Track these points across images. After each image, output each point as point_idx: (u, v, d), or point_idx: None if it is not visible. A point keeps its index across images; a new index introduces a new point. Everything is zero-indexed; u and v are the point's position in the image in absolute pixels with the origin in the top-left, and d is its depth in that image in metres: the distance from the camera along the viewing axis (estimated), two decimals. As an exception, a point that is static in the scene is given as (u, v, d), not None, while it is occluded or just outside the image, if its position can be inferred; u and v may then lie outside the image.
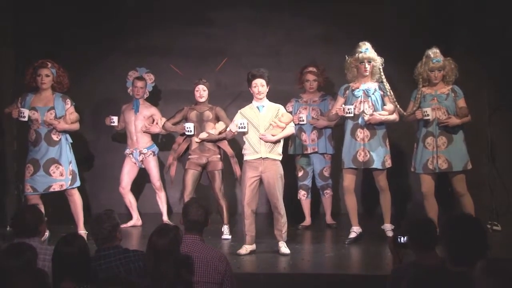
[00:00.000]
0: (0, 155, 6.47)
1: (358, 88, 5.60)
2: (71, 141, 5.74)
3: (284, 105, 6.29)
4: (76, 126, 5.76)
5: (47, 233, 5.15)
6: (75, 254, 3.02)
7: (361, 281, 4.52)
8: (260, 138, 5.16)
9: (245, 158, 5.26)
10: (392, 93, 5.57)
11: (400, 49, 6.57)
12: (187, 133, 5.95)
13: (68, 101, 5.71)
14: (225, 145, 6.00)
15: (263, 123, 5.23)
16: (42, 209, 4.98)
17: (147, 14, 7.24)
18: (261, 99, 5.29)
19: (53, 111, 5.60)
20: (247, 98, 5.58)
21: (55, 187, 5.58)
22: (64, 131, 5.65)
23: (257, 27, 7.28)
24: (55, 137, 5.60)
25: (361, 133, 5.54)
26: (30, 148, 5.64)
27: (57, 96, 5.68)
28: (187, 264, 3.39)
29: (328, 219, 6.46)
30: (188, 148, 6.05)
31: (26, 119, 5.55)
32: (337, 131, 6.18)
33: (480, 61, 6.18)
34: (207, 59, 6.89)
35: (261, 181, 5.23)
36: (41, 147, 5.56)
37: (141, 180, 6.92)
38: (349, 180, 5.61)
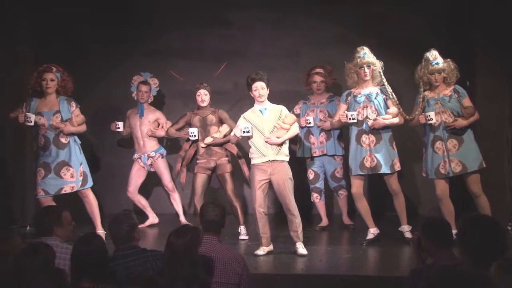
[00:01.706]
0: (20, 156, 6.56)
1: (359, 93, 5.54)
2: (80, 143, 5.77)
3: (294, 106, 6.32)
4: (83, 128, 5.77)
5: None
6: (94, 253, 3.05)
7: (378, 283, 4.49)
8: (266, 142, 5.14)
9: (253, 161, 5.24)
10: (394, 95, 5.49)
11: (417, 50, 6.48)
12: (191, 138, 5.96)
13: (73, 103, 5.73)
14: (230, 147, 5.99)
15: (267, 126, 5.20)
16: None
17: (161, 15, 7.27)
18: (262, 102, 5.27)
19: (58, 115, 5.62)
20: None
21: (67, 189, 5.62)
22: (71, 134, 5.67)
23: (273, 28, 7.27)
24: (63, 140, 5.63)
25: (366, 139, 5.48)
26: (40, 152, 5.68)
27: (61, 99, 5.70)
28: (204, 264, 3.40)
29: (346, 219, 6.42)
30: (196, 153, 6.06)
31: (32, 123, 5.57)
32: (346, 131, 6.06)
33: (500, 61, 6.09)
34: (224, 60, 6.89)
35: (270, 183, 5.21)
36: (51, 151, 5.59)
37: (153, 183, 6.96)
38: (357, 186, 5.53)
